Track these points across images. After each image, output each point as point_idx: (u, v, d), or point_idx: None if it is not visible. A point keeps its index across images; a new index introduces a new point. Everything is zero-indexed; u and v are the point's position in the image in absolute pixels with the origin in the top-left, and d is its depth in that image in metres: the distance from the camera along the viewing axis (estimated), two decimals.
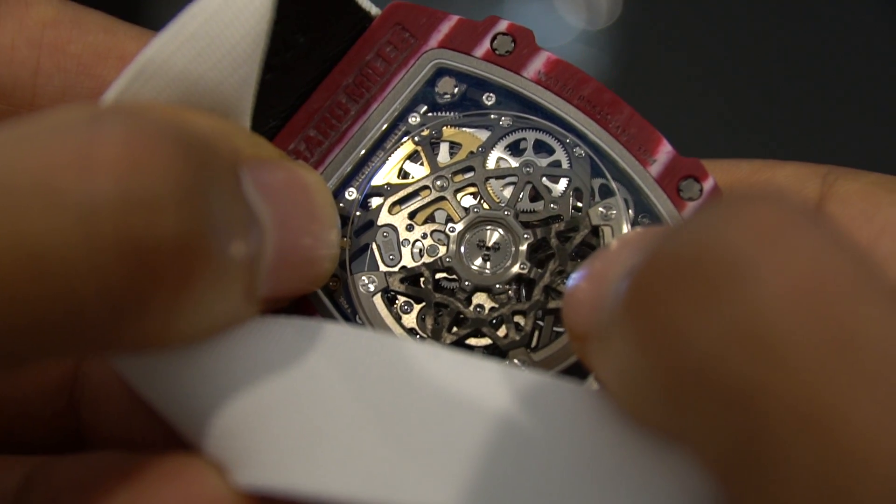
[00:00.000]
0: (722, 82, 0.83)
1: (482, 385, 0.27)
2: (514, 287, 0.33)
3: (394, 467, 0.26)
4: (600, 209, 0.33)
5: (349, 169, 0.33)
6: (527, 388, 0.27)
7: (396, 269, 0.33)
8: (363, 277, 0.32)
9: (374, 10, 0.33)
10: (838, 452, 0.21)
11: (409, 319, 0.33)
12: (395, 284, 0.33)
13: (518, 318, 0.32)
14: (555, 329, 0.32)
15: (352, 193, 0.33)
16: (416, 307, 0.33)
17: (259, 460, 0.26)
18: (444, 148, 0.34)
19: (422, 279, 0.33)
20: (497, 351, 0.32)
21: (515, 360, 0.32)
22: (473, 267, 0.33)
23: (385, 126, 0.33)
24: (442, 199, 0.33)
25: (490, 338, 0.32)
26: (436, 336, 0.32)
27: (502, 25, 0.34)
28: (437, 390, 0.27)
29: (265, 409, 0.26)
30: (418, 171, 0.33)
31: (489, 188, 0.33)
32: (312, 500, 0.25)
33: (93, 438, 0.33)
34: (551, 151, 0.33)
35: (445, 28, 0.33)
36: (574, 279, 0.28)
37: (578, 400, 0.27)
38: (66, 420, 0.33)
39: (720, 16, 0.88)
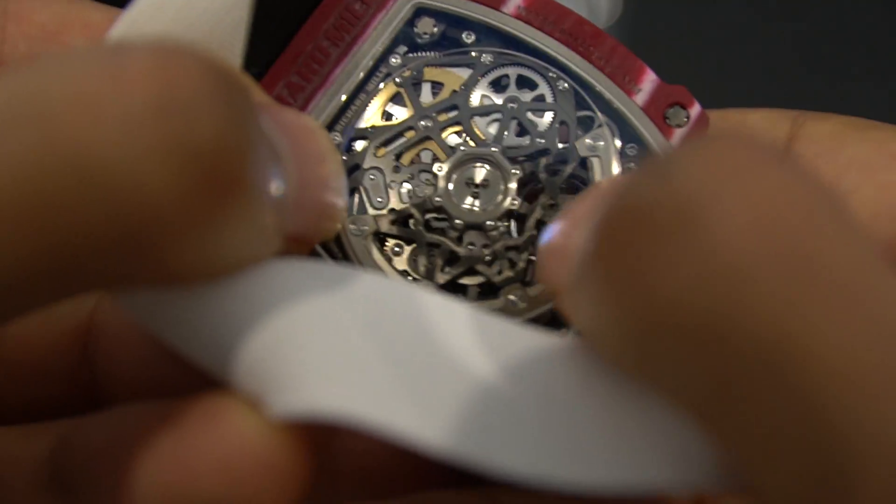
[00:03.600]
0: (724, 83, 0.83)
1: (462, 333, 0.27)
2: (506, 223, 0.32)
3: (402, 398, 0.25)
4: (587, 140, 0.33)
5: (333, 114, 0.33)
6: (503, 335, 0.27)
7: (385, 211, 0.32)
8: (353, 221, 0.32)
9: None
10: (809, 379, 0.21)
11: (401, 261, 0.32)
12: (386, 227, 0.32)
13: (511, 255, 0.32)
14: None
15: (336, 137, 0.33)
16: (407, 249, 0.32)
17: (292, 386, 0.25)
18: (426, 88, 0.33)
19: (411, 220, 0.32)
20: (492, 288, 0.32)
21: (511, 296, 0.32)
22: (463, 205, 0.32)
23: (366, 69, 0.33)
24: (427, 138, 0.33)
25: (484, 275, 0.32)
26: (429, 276, 0.32)
27: None
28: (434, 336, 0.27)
29: (292, 339, 0.26)
30: (402, 113, 0.33)
31: (474, 126, 0.33)
32: (345, 423, 0.25)
33: (110, 393, 0.33)
34: (534, 86, 0.33)
35: None
36: (546, 233, 0.27)
37: (559, 350, 0.26)
38: (81, 376, 0.33)
39: (722, 16, 0.88)
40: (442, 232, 0.32)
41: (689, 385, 0.23)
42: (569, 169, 0.32)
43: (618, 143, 0.33)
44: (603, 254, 0.24)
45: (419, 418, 0.25)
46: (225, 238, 0.25)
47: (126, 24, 0.28)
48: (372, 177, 0.33)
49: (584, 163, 0.33)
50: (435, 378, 0.26)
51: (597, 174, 0.33)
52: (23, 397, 0.33)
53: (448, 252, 0.32)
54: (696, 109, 0.33)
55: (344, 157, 0.33)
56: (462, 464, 0.25)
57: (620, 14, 0.85)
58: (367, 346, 0.26)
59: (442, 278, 0.32)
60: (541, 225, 0.32)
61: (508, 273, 0.32)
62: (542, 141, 0.33)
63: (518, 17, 0.33)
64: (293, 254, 0.28)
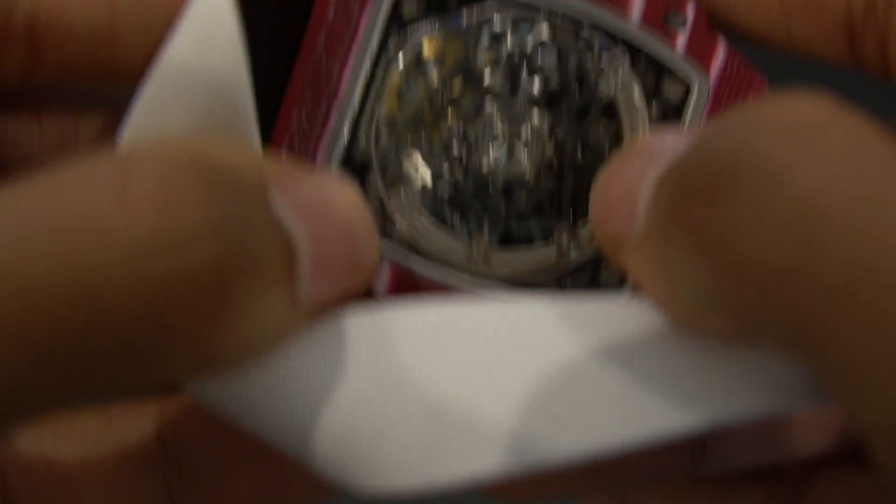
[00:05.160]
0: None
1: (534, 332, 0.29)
2: (545, 169, 0.34)
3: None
4: (603, 78, 0.33)
5: (353, 117, 0.33)
6: (581, 320, 0.29)
7: (429, 185, 0.34)
8: (401, 196, 0.33)
9: None
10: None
11: (461, 230, 0.34)
12: (431, 197, 0.33)
13: (554, 203, 0.34)
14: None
15: (361, 138, 0.33)
16: (460, 216, 0.34)
17: (377, 471, 0.27)
18: (430, 64, 0.34)
19: (454, 188, 0.34)
20: (545, 233, 0.34)
21: (562, 241, 0.33)
22: (500, 163, 0.33)
23: (369, 65, 0.34)
24: (449, 105, 0.34)
25: (534, 225, 0.33)
26: (487, 240, 0.33)
27: None
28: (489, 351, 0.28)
29: (353, 414, 0.28)
30: (416, 92, 0.34)
31: (488, 83, 0.34)
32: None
33: None
34: (531, 28, 0.34)
35: None
36: (600, 184, 0.29)
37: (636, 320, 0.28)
38: None
39: None
40: (486, 192, 0.34)
41: (784, 324, 0.25)
42: (593, 106, 0.34)
43: (627, 66, 0.34)
44: (683, 217, 0.26)
45: (528, 442, 0.27)
46: (239, 324, 0.27)
47: (134, 127, 0.29)
48: (407, 160, 0.34)
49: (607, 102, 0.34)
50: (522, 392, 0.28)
51: (623, 112, 0.34)
52: None
53: (495, 208, 0.33)
54: (690, 9, 0.34)
55: (374, 149, 0.33)
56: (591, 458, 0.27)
57: None
58: (419, 395, 0.28)
59: (494, 233, 0.33)
60: (577, 169, 0.34)
61: (555, 219, 0.33)
62: (556, 78, 0.34)
63: None
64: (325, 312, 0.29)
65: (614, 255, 0.29)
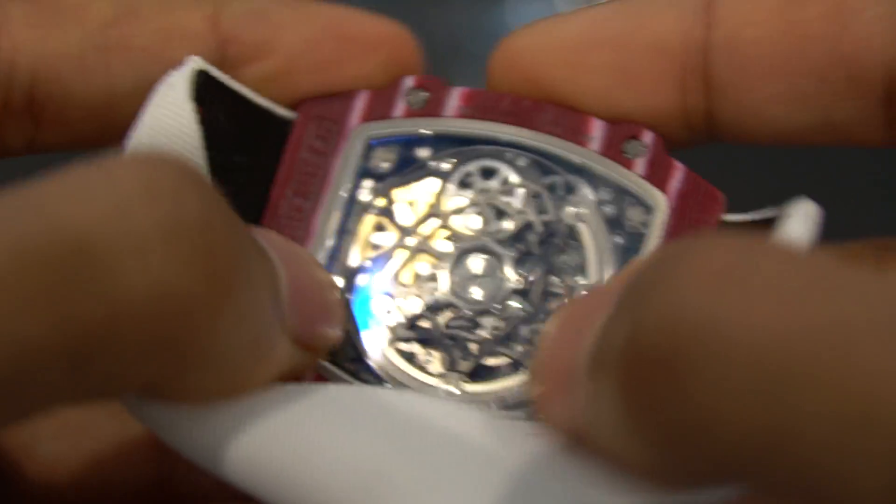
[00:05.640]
0: None
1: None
2: (513, 301, 0.34)
3: None
4: (568, 208, 0.34)
5: (325, 261, 0.35)
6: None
7: (398, 323, 0.34)
8: (370, 338, 0.34)
9: (291, 115, 0.36)
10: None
11: (435, 365, 0.34)
12: (403, 334, 0.34)
13: (524, 329, 0.34)
14: None
15: (337, 281, 0.35)
16: (433, 352, 0.34)
17: None
18: (401, 209, 0.35)
19: (426, 322, 0.34)
20: (516, 364, 0.34)
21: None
22: (471, 297, 0.34)
23: (342, 211, 0.35)
24: (419, 251, 0.35)
25: (505, 354, 0.34)
26: (454, 368, 0.34)
27: (410, 81, 0.36)
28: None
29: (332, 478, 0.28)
30: (387, 239, 0.35)
31: (456, 225, 0.35)
32: None
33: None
34: (497, 172, 0.35)
35: (359, 103, 0.36)
36: (545, 332, 0.28)
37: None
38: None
39: None
40: (456, 327, 0.34)
41: (765, 481, 0.23)
42: (560, 240, 0.34)
43: (592, 196, 0.34)
44: (626, 379, 0.24)
45: None
46: (236, 313, 0.26)
47: None
48: (380, 302, 0.34)
49: (571, 230, 0.34)
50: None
51: (584, 235, 0.34)
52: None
53: (464, 342, 0.34)
54: (648, 136, 0.34)
55: (348, 296, 0.35)
56: None
57: None
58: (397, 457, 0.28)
59: (466, 366, 0.33)
60: (547, 294, 0.34)
61: (527, 346, 0.33)
62: (523, 217, 0.34)
63: (461, 115, 0.35)
64: (302, 365, 0.30)
65: (539, 403, 0.28)
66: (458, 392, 0.34)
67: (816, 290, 0.22)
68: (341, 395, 0.29)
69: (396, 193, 0.35)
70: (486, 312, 0.34)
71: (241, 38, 0.35)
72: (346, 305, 0.34)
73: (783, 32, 0.33)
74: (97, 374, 0.25)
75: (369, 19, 0.36)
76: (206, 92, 0.33)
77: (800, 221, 0.29)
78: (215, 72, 0.33)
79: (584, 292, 0.34)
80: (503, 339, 0.34)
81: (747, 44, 0.33)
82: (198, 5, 0.35)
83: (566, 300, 0.34)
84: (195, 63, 0.33)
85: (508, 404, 0.33)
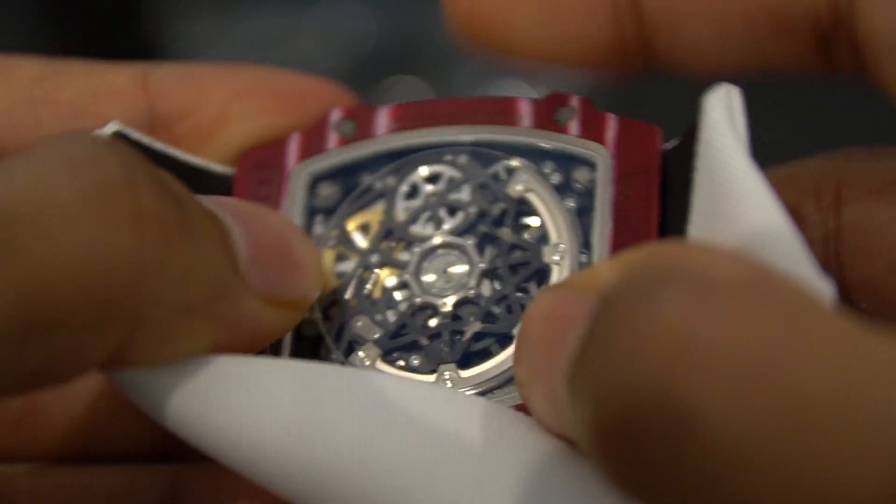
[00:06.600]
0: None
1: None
2: (486, 282, 0.34)
3: None
4: (516, 187, 0.34)
5: None
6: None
7: (384, 336, 0.34)
8: (358, 360, 0.34)
9: (229, 171, 0.36)
10: None
11: (424, 366, 0.34)
12: (388, 346, 0.34)
13: (501, 305, 0.34)
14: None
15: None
16: (421, 355, 0.34)
17: None
18: (357, 236, 0.35)
19: (408, 331, 0.34)
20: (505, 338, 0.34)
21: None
22: (443, 292, 0.34)
23: None
24: (382, 266, 0.35)
25: (491, 334, 0.34)
26: (443, 360, 0.34)
27: (337, 114, 0.36)
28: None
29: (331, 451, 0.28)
30: (349, 265, 0.35)
31: (412, 233, 0.35)
32: None
33: None
34: (440, 175, 0.35)
35: (294, 144, 0.36)
36: (530, 316, 0.28)
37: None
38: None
39: None
40: (437, 324, 0.34)
41: None
42: (509, 218, 0.34)
43: (533, 170, 0.35)
44: (597, 445, 0.24)
45: None
46: (186, 263, 0.27)
47: None
48: (359, 322, 0.34)
49: (521, 204, 0.34)
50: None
51: (536, 203, 0.34)
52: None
53: (449, 335, 0.34)
54: (574, 99, 0.35)
55: (321, 325, 0.34)
56: None
57: None
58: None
59: (455, 356, 0.33)
60: (515, 268, 0.34)
61: (508, 318, 0.33)
62: (474, 206, 0.35)
63: (393, 131, 0.36)
64: (280, 324, 0.30)
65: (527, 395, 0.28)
66: (452, 382, 0.33)
67: (771, 367, 0.22)
68: (317, 367, 0.29)
69: (349, 221, 0.36)
70: (461, 302, 0.34)
71: (170, 95, 0.36)
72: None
73: None
74: (53, 347, 0.25)
75: (301, 77, 0.37)
76: None
77: (719, 110, 0.29)
78: (135, 134, 0.34)
79: (557, 263, 0.33)
80: (484, 319, 0.34)
81: None
82: (125, 67, 0.36)
83: (543, 283, 0.34)
84: (113, 126, 0.33)
85: (503, 382, 0.33)
